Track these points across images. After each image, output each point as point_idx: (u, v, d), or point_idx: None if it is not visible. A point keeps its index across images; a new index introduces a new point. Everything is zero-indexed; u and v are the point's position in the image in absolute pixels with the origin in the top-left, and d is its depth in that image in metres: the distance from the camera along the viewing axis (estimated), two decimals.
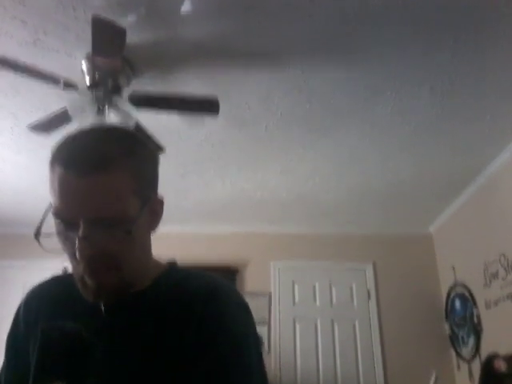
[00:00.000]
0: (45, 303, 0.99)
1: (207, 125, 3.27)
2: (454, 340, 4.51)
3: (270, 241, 5.16)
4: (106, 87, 2.62)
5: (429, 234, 5.21)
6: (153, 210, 0.91)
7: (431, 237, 5.20)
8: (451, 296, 4.60)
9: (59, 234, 0.83)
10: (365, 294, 4.96)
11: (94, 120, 2.66)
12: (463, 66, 2.68)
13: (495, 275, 3.74)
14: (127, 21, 2.35)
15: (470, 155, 3.70)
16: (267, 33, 2.44)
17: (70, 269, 0.90)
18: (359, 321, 4.85)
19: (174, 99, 2.74)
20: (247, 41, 2.51)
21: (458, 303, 4.46)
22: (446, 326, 4.64)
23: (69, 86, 2.58)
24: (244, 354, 0.88)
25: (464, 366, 4.30)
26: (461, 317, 4.37)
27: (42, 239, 0.82)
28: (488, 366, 3.36)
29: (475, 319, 4.02)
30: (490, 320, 3.86)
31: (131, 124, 2.79)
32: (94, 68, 2.52)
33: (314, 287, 5.00)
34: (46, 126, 2.92)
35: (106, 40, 2.25)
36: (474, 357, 4.08)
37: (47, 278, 1.06)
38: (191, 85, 2.84)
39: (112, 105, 2.69)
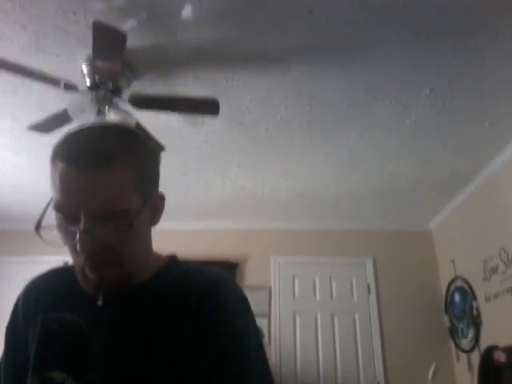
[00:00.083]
0: (44, 295, 0.99)
1: (207, 126, 3.28)
2: (454, 332, 4.55)
3: (270, 236, 5.17)
4: (106, 89, 2.61)
5: (429, 230, 5.23)
6: (154, 205, 0.92)
7: (431, 233, 5.22)
8: (451, 289, 4.62)
9: (60, 227, 0.83)
10: (365, 288, 4.98)
11: (94, 121, 2.66)
12: (463, 67, 2.68)
13: (495, 269, 3.76)
14: (127, 25, 2.34)
15: (470, 154, 3.71)
16: (267, 36, 2.43)
17: (70, 263, 0.91)
18: (359, 315, 4.87)
19: (174, 100, 2.74)
20: (247, 44, 2.50)
21: (457, 296, 4.48)
22: (446, 319, 4.67)
23: (69, 87, 2.58)
24: (244, 346, 0.89)
25: (463, 358, 4.33)
26: (460, 309, 4.40)
27: (42, 232, 0.83)
28: (487, 358, 3.40)
29: (475, 312, 4.05)
30: (489, 313, 3.89)
31: (132, 124, 2.80)
32: (94, 71, 2.51)
33: (314, 281, 5.02)
34: (46, 126, 2.92)
35: (107, 44, 2.25)
36: (473, 348, 4.11)
37: (47, 270, 1.06)
38: (191, 87, 2.84)
39: (112, 106, 2.69)
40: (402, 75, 2.76)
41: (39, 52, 2.55)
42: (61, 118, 2.80)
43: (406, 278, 4.96)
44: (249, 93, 2.92)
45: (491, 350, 3.40)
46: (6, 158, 3.78)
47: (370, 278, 5.02)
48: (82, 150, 0.82)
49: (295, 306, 4.94)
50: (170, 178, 4.07)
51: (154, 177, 0.94)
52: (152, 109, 2.75)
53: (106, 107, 2.65)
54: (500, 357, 3.26)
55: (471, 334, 4.14)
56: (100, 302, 0.90)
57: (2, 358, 1.01)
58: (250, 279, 4.94)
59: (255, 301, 4.61)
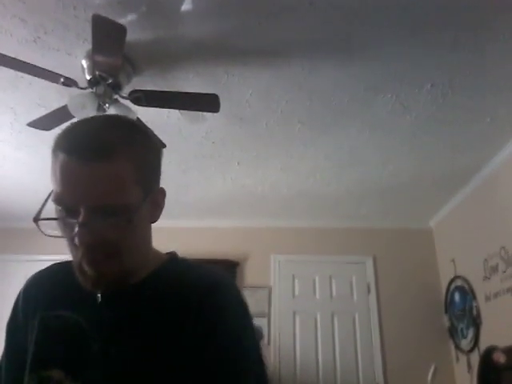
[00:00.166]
0: (44, 291, 0.99)
1: (208, 122, 3.27)
2: (453, 332, 4.54)
3: (271, 235, 5.17)
4: (106, 84, 2.61)
5: (429, 229, 5.22)
6: (155, 200, 0.92)
7: (431, 231, 5.21)
8: (451, 289, 4.61)
9: (59, 220, 0.83)
10: (365, 288, 4.97)
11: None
12: (463, 64, 2.67)
13: (495, 269, 3.75)
14: (127, 19, 2.34)
15: (470, 152, 3.70)
16: (267, 30, 2.43)
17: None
18: (359, 314, 4.86)
19: (174, 96, 2.74)
20: (247, 38, 2.50)
21: (457, 296, 4.48)
22: (446, 319, 4.66)
23: (69, 83, 2.58)
24: (242, 347, 0.89)
25: (463, 358, 4.32)
26: (460, 309, 4.39)
27: (41, 224, 0.82)
28: (487, 358, 3.39)
29: (474, 312, 4.05)
30: (489, 313, 3.88)
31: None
32: (94, 66, 2.51)
33: (314, 281, 5.01)
34: (46, 123, 2.92)
35: (107, 38, 2.24)
36: (472, 349, 4.10)
37: (48, 266, 1.06)
38: (191, 82, 2.84)
39: (112, 102, 2.68)
40: (402, 71, 2.75)
41: (39, 46, 2.54)
42: (61, 115, 2.80)
43: (406, 277, 4.95)
44: (249, 87, 2.92)
45: (491, 350, 3.39)
46: (6, 153, 3.78)
47: (370, 277, 5.01)
48: (84, 142, 0.81)
49: (295, 305, 4.93)
50: (170, 175, 4.07)
51: (155, 171, 0.93)
52: (152, 105, 2.75)
53: (107, 103, 2.64)
54: (499, 358, 3.25)
55: (471, 334, 4.13)
56: (99, 299, 0.90)
57: (3, 355, 1.01)
58: (250, 279, 4.94)
59: (255, 300, 4.63)
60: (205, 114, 3.09)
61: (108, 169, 0.80)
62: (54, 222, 0.83)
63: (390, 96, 2.98)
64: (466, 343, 4.25)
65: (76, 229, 0.79)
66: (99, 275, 0.84)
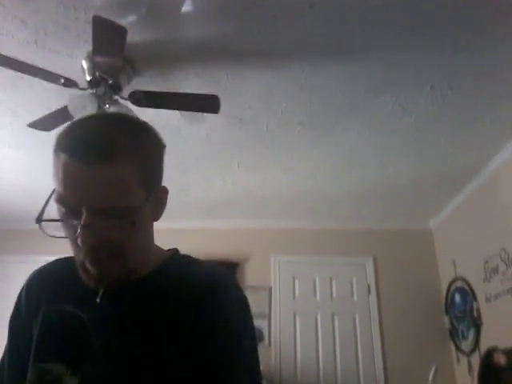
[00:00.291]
0: (47, 287, 0.99)
1: (208, 123, 3.27)
2: (454, 333, 4.53)
3: (271, 236, 5.17)
4: (106, 85, 2.61)
5: (429, 230, 5.22)
6: (157, 199, 0.91)
7: (431, 232, 5.21)
8: (451, 290, 4.61)
9: (61, 220, 0.82)
10: (365, 289, 4.97)
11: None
12: (463, 65, 2.67)
13: (495, 270, 3.75)
14: (128, 20, 2.34)
15: (471, 153, 3.70)
16: (268, 32, 2.43)
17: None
18: (359, 315, 4.86)
19: (174, 97, 2.74)
20: (248, 40, 2.50)
21: (457, 297, 4.47)
22: (446, 320, 4.66)
23: (69, 84, 2.58)
24: (242, 346, 0.90)
25: (463, 360, 4.32)
26: (460, 310, 4.39)
27: (43, 224, 0.82)
28: (487, 360, 3.39)
29: (475, 313, 4.04)
30: (489, 314, 3.88)
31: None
32: (94, 67, 2.51)
33: (315, 282, 5.01)
34: (46, 124, 2.92)
35: (107, 40, 2.25)
36: (473, 350, 4.10)
37: (50, 262, 1.06)
38: (192, 83, 2.84)
39: (113, 102, 2.68)
40: (402, 73, 2.76)
41: (39, 48, 2.55)
42: (61, 116, 2.80)
43: (406, 278, 4.95)
44: (249, 89, 2.92)
45: (491, 351, 3.39)
46: (6, 154, 3.78)
47: (371, 278, 5.01)
48: (85, 143, 0.80)
49: (295, 306, 4.94)
50: (171, 177, 4.05)
51: (157, 170, 0.92)
52: (152, 106, 2.75)
53: (107, 104, 2.64)
54: (500, 359, 3.25)
55: (471, 335, 4.13)
56: (98, 299, 0.89)
57: (6, 351, 1.01)
58: (250, 279, 4.93)
59: (255, 301, 4.61)
60: (205, 115, 3.09)
61: (110, 171, 0.79)
62: (56, 221, 0.83)
63: (390, 97, 2.98)
64: (466, 344, 4.25)
65: (78, 230, 0.78)
66: (102, 274, 0.84)
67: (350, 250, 5.13)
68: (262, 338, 4.65)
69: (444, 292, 4.78)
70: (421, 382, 3.91)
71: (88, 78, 2.61)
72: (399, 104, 3.05)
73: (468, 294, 4.24)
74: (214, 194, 4.55)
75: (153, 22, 2.39)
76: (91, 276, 0.85)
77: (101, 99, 2.61)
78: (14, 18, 2.35)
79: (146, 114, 2.88)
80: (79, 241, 0.79)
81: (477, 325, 4.03)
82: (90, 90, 2.61)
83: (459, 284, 4.44)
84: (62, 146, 0.82)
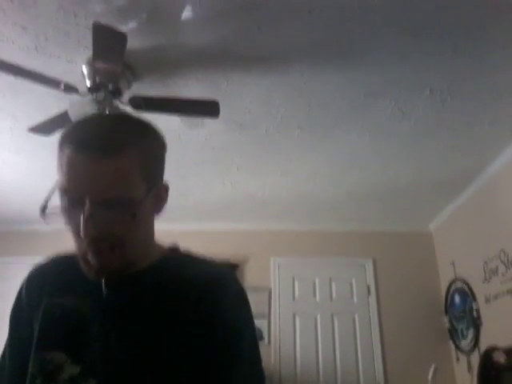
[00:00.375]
0: (48, 280, 1.00)
1: (207, 128, 3.28)
2: (453, 333, 4.55)
3: (271, 238, 5.17)
4: (106, 90, 2.61)
5: (428, 232, 5.23)
6: (158, 195, 0.93)
7: (431, 234, 5.22)
8: (451, 291, 4.62)
9: (64, 211, 0.84)
10: (365, 290, 4.98)
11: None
12: (463, 68, 2.68)
13: (495, 271, 3.76)
14: (128, 26, 2.34)
15: (470, 156, 3.71)
16: (267, 36, 2.44)
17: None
18: (359, 316, 4.87)
19: (174, 102, 2.75)
20: (247, 45, 2.51)
21: (457, 298, 4.48)
22: (446, 320, 4.67)
23: (69, 89, 2.58)
24: (242, 342, 0.91)
25: (463, 359, 4.33)
26: (460, 311, 4.40)
27: (47, 215, 0.84)
28: (487, 359, 3.41)
29: (474, 313, 4.05)
30: (489, 314, 3.89)
31: None
32: (94, 72, 2.51)
33: (314, 283, 5.02)
34: (46, 128, 2.92)
35: (107, 46, 2.25)
36: (473, 349, 4.11)
37: (49, 257, 1.08)
38: (191, 88, 2.84)
39: (112, 107, 2.69)
40: (401, 76, 2.76)
41: (39, 54, 2.55)
42: (61, 120, 2.80)
43: (405, 279, 4.95)
44: (249, 93, 2.92)
45: (491, 351, 3.41)
46: (6, 158, 3.78)
47: (370, 280, 5.02)
48: (91, 136, 0.84)
49: (295, 307, 4.94)
50: (170, 181, 4.01)
51: (159, 166, 0.95)
52: (152, 111, 2.75)
53: (106, 109, 2.65)
54: (500, 358, 3.27)
55: (471, 335, 4.14)
56: (101, 287, 0.92)
57: (6, 345, 1.02)
58: (250, 280, 4.92)
59: (255, 302, 4.52)
60: (205, 119, 3.09)
61: (114, 163, 0.81)
62: (59, 212, 0.85)
63: (389, 101, 2.99)
64: (466, 344, 4.26)
65: (81, 221, 0.80)
66: (103, 265, 0.86)
67: (349, 252, 5.13)
68: (261, 338, 4.65)
69: (444, 293, 4.79)
70: (420, 382, 3.93)
71: (88, 83, 2.62)
72: (398, 108, 3.05)
73: (467, 294, 4.25)
74: (214, 197, 4.55)
75: (153, 28, 2.40)
76: (92, 267, 0.86)
77: (101, 104, 2.61)
78: (15, 24, 2.35)
79: (145, 118, 2.88)
80: (82, 231, 0.80)
81: (476, 325, 4.04)
82: (89, 96, 2.62)
83: (459, 285, 4.45)
84: (67, 140, 0.84)
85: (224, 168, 3.95)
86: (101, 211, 0.80)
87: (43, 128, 2.93)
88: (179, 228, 4.87)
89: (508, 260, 3.58)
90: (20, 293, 1.03)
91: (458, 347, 4.46)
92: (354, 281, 5.02)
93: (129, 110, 2.72)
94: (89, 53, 2.44)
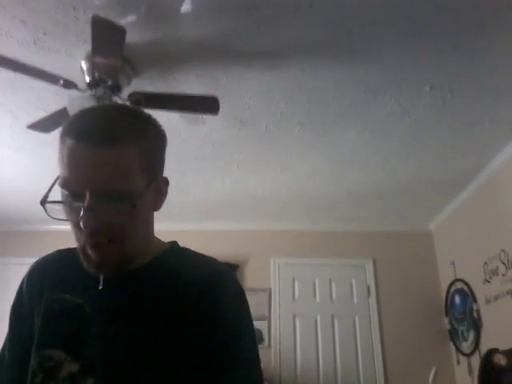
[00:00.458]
0: (49, 276, 1.01)
1: (207, 124, 3.27)
2: (454, 335, 4.53)
3: (270, 238, 5.17)
4: (105, 86, 2.61)
5: (428, 231, 5.22)
6: (158, 188, 0.94)
7: (431, 234, 5.21)
8: (451, 292, 4.61)
9: (65, 203, 0.85)
10: (365, 290, 4.97)
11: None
12: (463, 65, 2.67)
13: (495, 271, 3.75)
14: (127, 20, 2.34)
15: (470, 155, 3.70)
16: (267, 32, 2.43)
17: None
18: (359, 317, 4.86)
19: (174, 98, 2.74)
20: (247, 40, 2.50)
21: (457, 299, 4.47)
22: (446, 321, 4.66)
23: (68, 85, 2.58)
24: (240, 340, 0.91)
25: (464, 361, 4.32)
26: (460, 312, 4.39)
27: (47, 207, 0.84)
28: (487, 361, 3.38)
29: (475, 314, 4.04)
30: (489, 315, 3.88)
31: None
32: (93, 68, 2.51)
33: (314, 283, 5.01)
34: (46, 125, 2.92)
35: (106, 40, 2.25)
36: (473, 351, 4.10)
37: (50, 252, 1.08)
38: (191, 84, 2.84)
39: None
40: (402, 73, 2.75)
41: (38, 48, 2.54)
42: (60, 117, 2.79)
43: (405, 279, 4.95)
44: (249, 90, 2.92)
45: (491, 353, 3.38)
46: (5, 155, 3.78)
47: (370, 280, 5.01)
48: (92, 128, 0.84)
49: (295, 308, 4.93)
50: (170, 178, 4.02)
51: (160, 160, 0.95)
52: (151, 107, 2.74)
53: None
54: (500, 360, 3.24)
55: (471, 336, 4.13)
56: (100, 287, 0.92)
57: (6, 340, 1.02)
58: (250, 281, 4.93)
59: (255, 303, 4.61)
60: (204, 116, 3.09)
61: (115, 155, 0.82)
62: (59, 206, 0.85)
63: (389, 98, 2.98)
64: (466, 346, 4.24)
65: (81, 213, 0.80)
66: (102, 259, 0.86)
67: (349, 252, 5.13)
68: (261, 339, 4.65)
69: (444, 294, 4.78)
70: (421, 383, 3.91)
71: (87, 78, 2.61)
72: (399, 105, 3.04)
73: (468, 295, 4.23)
74: (214, 195, 4.55)
75: (152, 22, 2.39)
76: (92, 261, 0.87)
77: (100, 100, 2.60)
78: (13, 17, 2.34)
79: None
80: (82, 223, 0.81)
81: (477, 326, 4.03)
82: (89, 91, 2.61)
83: (459, 285, 4.44)
84: (68, 131, 0.85)
85: (224, 165, 3.95)
86: (101, 203, 0.81)
87: (42, 125, 2.93)
88: (179, 227, 4.87)
89: (508, 260, 3.57)
90: (21, 287, 1.04)
91: (458, 349, 4.44)
92: (354, 281, 5.02)
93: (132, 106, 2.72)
94: (88, 47, 2.43)
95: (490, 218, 3.89)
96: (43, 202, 0.84)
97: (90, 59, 2.48)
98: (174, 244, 1.04)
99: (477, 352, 4.01)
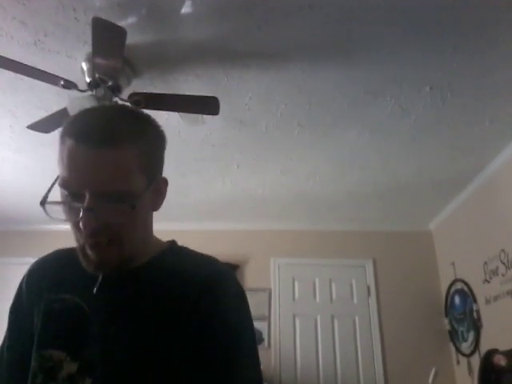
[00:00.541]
0: (48, 276, 1.01)
1: (207, 125, 3.27)
2: (454, 335, 4.53)
3: (271, 238, 5.17)
4: (106, 87, 2.61)
5: (428, 231, 5.22)
6: (157, 189, 0.94)
7: (431, 234, 5.21)
8: (451, 292, 4.61)
9: (64, 204, 0.85)
10: (365, 291, 4.97)
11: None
12: (463, 66, 2.67)
13: (495, 271, 3.75)
14: (128, 22, 2.34)
15: (470, 155, 3.70)
16: (267, 33, 2.43)
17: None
18: (359, 317, 4.86)
19: (174, 99, 2.74)
20: (247, 41, 2.50)
21: (457, 299, 4.47)
22: (446, 322, 4.66)
23: (69, 85, 2.58)
24: (240, 339, 0.91)
25: (463, 361, 4.32)
26: (460, 312, 4.39)
27: (47, 207, 0.84)
28: (487, 361, 3.38)
29: (475, 315, 4.04)
30: (489, 316, 3.88)
31: None
32: (94, 68, 2.51)
33: (314, 283, 5.01)
34: (46, 126, 2.92)
35: (107, 41, 2.25)
36: (473, 352, 4.10)
37: (50, 252, 1.08)
38: (191, 85, 2.84)
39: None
40: (402, 74, 2.75)
41: (39, 49, 2.55)
42: (60, 117, 2.79)
43: (406, 280, 4.95)
44: (249, 90, 2.92)
45: (491, 353, 3.39)
46: (5, 156, 3.78)
47: (370, 280, 5.01)
48: (91, 129, 0.84)
49: (295, 308, 4.93)
50: (170, 178, 4.03)
51: (159, 160, 0.95)
52: (152, 107, 2.74)
53: None
54: (500, 361, 3.24)
55: (471, 337, 4.13)
56: (96, 286, 0.92)
57: (5, 339, 1.02)
58: (250, 281, 4.93)
59: (255, 303, 4.61)
60: (204, 116, 3.09)
61: (115, 156, 0.82)
62: (59, 206, 0.86)
63: (389, 99, 2.98)
64: (466, 346, 4.24)
65: (81, 213, 0.81)
66: (102, 259, 0.86)
67: (349, 252, 5.13)
68: (261, 339, 4.65)
69: (444, 294, 4.77)
70: None
71: (88, 79, 2.61)
72: (399, 105, 3.05)
73: (468, 295, 4.23)
74: (214, 195, 4.55)
75: (152, 24, 2.39)
76: (91, 261, 0.87)
77: (100, 101, 2.60)
78: (14, 19, 2.35)
79: None
80: (81, 223, 0.81)
81: (477, 327, 4.03)
82: (89, 92, 2.61)
83: (459, 286, 4.44)
84: (68, 131, 0.85)
85: (224, 165, 3.95)
86: (101, 203, 0.81)
87: (43, 125, 2.93)
88: (179, 227, 4.87)
89: (508, 260, 3.57)
90: (20, 287, 1.04)
91: (458, 350, 4.44)
92: (354, 281, 5.02)
93: (131, 106, 2.72)
94: (88, 48, 2.44)
95: (489, 218, 3.89)
96: (43, 202, 0.84)
97: (91, 60, 2.49)
98: (172, 243, 1.04)
99: (477, 352, 4.01)
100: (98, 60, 2.39)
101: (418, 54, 2.58)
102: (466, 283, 4.29)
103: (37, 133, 3.02)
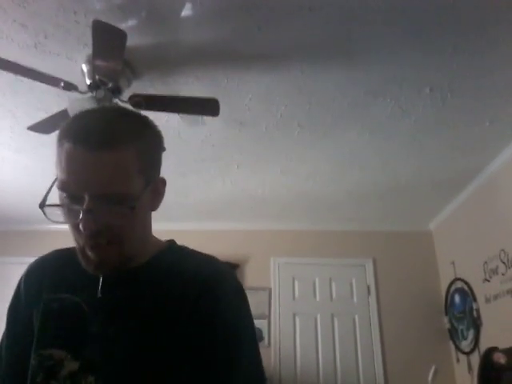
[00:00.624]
0: (47, 275, 1.01)
1: (207, 125, 3.27)
2: (453, 333, 4.54)
3: (271, 237, 5.18)
4: (106, 89, 2.61)
5: (428, 231, 5.22)
6: (156, 189, 0.94)
7: (431, 233, 5.21)
8: (451, 291, 4.62)
9: (63, 206, 0.85)
10: (365, 290, 4.97)
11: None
12: (463, 67, 2.67)
13: (495, 271, 3.75)
14: (128, 24, 2.34)
15: (470, 155, 3.70)
16: (267, 34, 2.43)
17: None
18: (359, 316, 4.87)
19: (174, 100, 2.74)
20: (247, 42, 2.50)
21: (457, 298, 4.48)
22: (446, 320, 4.66)
23: (69, 87, 2.58)
24: (240, 338, 0.91)
25: (463, 359, 4.33)
26: (460, 311, 4.40)
27: (46, 209, 0.84)
28: (487, 359, 3.39)
29: (475, 313, 4.05)
30: (489, 314, 3.89)
31: None
32: (94, 70, 2.51)
33: (314, 283, 5.02)
34: (46, 127, 2.92)
35: (107, 43, 2.25)
36: (473, 350, 4.11)
37: (48, 252, 1.08)
38: (191, 86, 2.84)
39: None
40: (402, 74, 2.76)
41: (39, 51, 2.55)
42: (61, 119, 2.79)
43: (405, 279, 4.95)
44: (249, 91, 2.92)
45: (491, 351, 3.39)
46: (5, 156, 3.78)
47: (370, 280, 5.01)
48: (89, 131, 0.83)
49: (295, 307, 4.94)
50: (170, 179, 4.01)
51: (157, 160, 0.96)
52: (152, 109, 2.74)
53: None
54: (500, 358, 3.25)
55: (471, 335, 4.14)
56: (99, 283, 0.92)
57: (3, 338, 1.03)
58: (250, 280, 4.93)
59: (255, 302, 4.62)
60: (204, 117, 3.09)
61: (113, 158, 0.82)
62: (58, 208, 0.86)
63: (389, 99, 2.98)
64: (466, 344, 4.25)
65: (80, 215, 0.81)
66: (101, 260, 0.87)
67: (349, 252, 5.13)
68: (261, 338, 4.66)
69: (444, 293, 4.78)
70: (420, 382, 3.91)
71: (88, 81, 2.61)
72: (399, 106, 3.05)
73: (468, 294, 4.24)
74: (214, 195, 4.55)
75: (152, 26, 2.39)
76: (91, 261, 0.87)
77: (100, 102, 2.60)
78: (14, 21, 2.34)
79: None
80: (81, 226, 0.81)
81: (476, 325, 4.04)
82: (89, 94, 2.61)
83: (459, 285, 4.44)
84: (66, 134, 0.85)
85: (224, 166, 3.95)
86: (100, 205, 0.81)
87: (43, 126, 2.93)
88: (179, 227, 4.88)
89: (508, 260, 3.57)
90: (19, 286, 1.04)
91: (458, 348, 4.45)
92: (354, 281, 5.02)
93: (129, 108, 2.71)
94: (89, 50, 2.44)
95: (489, 218, 3.89)
96: (42, 205, 0.84)
97: (91, 62, 2.48)
98: (171, 243, 1.04)
99: (476, 350, 4.02)
100: (98, 62, 2.39)
101: (418, 54, 2.58)
102: (466, 282, 4.30)
103: (37, 134, 3.02)
